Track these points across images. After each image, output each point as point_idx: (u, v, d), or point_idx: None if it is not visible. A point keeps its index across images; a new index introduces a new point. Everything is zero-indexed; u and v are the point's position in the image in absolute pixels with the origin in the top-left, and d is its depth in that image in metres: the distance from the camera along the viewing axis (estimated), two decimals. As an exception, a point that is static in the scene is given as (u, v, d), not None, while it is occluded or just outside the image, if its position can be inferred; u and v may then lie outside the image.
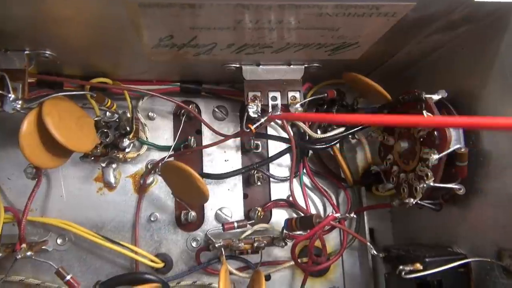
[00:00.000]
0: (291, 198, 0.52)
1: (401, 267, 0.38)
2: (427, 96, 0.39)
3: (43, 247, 0.47)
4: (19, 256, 0.42)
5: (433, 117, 0.38)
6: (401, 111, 0.43)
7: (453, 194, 0.39)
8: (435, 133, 0.38)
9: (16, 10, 0.32)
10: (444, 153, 0.37)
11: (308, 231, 0.42)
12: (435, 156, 0.37)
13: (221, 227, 0.48)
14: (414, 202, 0.41)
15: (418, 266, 0.37)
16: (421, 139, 0.40)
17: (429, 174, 0.38)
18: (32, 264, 0.47)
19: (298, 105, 0.47)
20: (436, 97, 0.39)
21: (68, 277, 0.42)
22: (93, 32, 0.37)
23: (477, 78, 0.38)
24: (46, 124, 0.39)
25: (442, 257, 0.38)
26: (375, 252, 0.44)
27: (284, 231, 0.47)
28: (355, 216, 0.43)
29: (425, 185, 0.39)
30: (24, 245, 0.43)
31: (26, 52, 0.39)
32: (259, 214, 0.50)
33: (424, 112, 0.38)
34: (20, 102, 0.39)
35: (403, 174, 0.43)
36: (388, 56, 0.46)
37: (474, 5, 0.33)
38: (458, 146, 0.37)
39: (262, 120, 0.45)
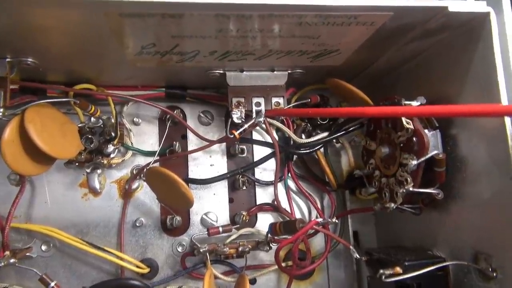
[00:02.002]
0: (276, 202, 0.52)
1: (381, 271, 0.38)
2: (406, 102, 0.40)
3: (27, 254, 0.47)
4: (3, 264, 0.42)
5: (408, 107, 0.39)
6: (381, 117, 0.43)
7: (433, 199, 0.40)
8: (414, 139, 0.39)
9: (-4, 19, 0.32)
10: (422, 158, 0.38)
11: (292, 235, 0.42)
12: (414, 162, 0.38)
13: (206, 232, 0.48)
14: (394, 207, 0.42)
15: (398, 270, 0.38)
16: (401, 145, 0.41)
17: (408, 179, 0.39)
18: (16, 271, 0.46)
19: (281, 111, 0.47)
20: (415, 103, 0.40)
21: (52, 284, 0.42)
22: (75, 40, 0.37)
23: (453, 85, 0.38)
24: (28, 132, 0.39)
25: (421, 260, 0.39)
26: (357, 256, 0.45)
27: (269, 235, 0.47)
28: (337, 221, 0.43)
29: (404, 190, 0.40)
30: (7, 252, 0.43)
31: (7, 59, 0.39)
32: (244, 218, 0.51)
33: (403, 118, 0.39)
34: (1, 110, 0.39)
35: (385, 178, 0.44)
36: (369, 63, 0.46)
37: (449, 14, 0.33)
38: (436, 152, 0.38)
39: (246, 126, 0.45)
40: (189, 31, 0.35)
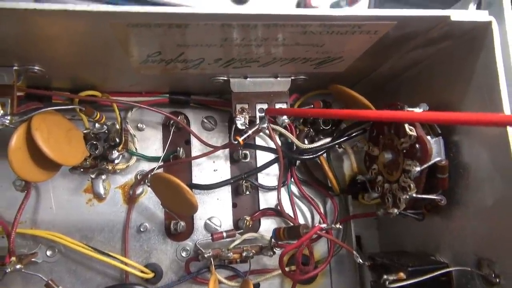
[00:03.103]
0: (279, 207, 0.53)
1: (385, 276, 0.39)
2: (409, 109, 0.40)
3: (32, 259, 0.47)
4: (9, 270, 0.42)
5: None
6: (384, 123, 0.44)
7: (436, 205, 0.41)
8: (417, 145, 0.39)
9: (4, 28, 0.32)
10: (425, 165, 0.38)
11: (296, 240, 0.43)
12: (417, 168, 0.38)
13: (211, 237, 0.48)
14: (397, 212, 0.42)
15: (402, 275, 0.38)
16: (404, 151, 0.41)
17: (411, 185, 0.40)
18: (22, 276, 0.47)
19: (285, 116, 0.48)
20: (417, 110, 0.40)
21: (58, 290, 0.43)
22: (81, 49, 0.37)
23: (455, 93, 0.39)
24: (35, 139, 0.39)
25: (425, 266, 0.39)
26: (361, 261, 0.45)
27: (272, 240, 0.48)
28: (340, 226, 0.44)
29: (408, 196, 0.40)
30: (13, 258, 0.43)
31: (15, 68, 0.39)
32: (247, 223, 0.51)
33: (406, 125, 0.39)
34: (8, 117, 0.39)
35: (388, 184, 0.44)
36: (371, 70, 0.47)
37: (451, 24, 0.34)
38: (438, 158, 0.38)
39: (250, 132, 0.46)
40: (195, 40, 0.36)
